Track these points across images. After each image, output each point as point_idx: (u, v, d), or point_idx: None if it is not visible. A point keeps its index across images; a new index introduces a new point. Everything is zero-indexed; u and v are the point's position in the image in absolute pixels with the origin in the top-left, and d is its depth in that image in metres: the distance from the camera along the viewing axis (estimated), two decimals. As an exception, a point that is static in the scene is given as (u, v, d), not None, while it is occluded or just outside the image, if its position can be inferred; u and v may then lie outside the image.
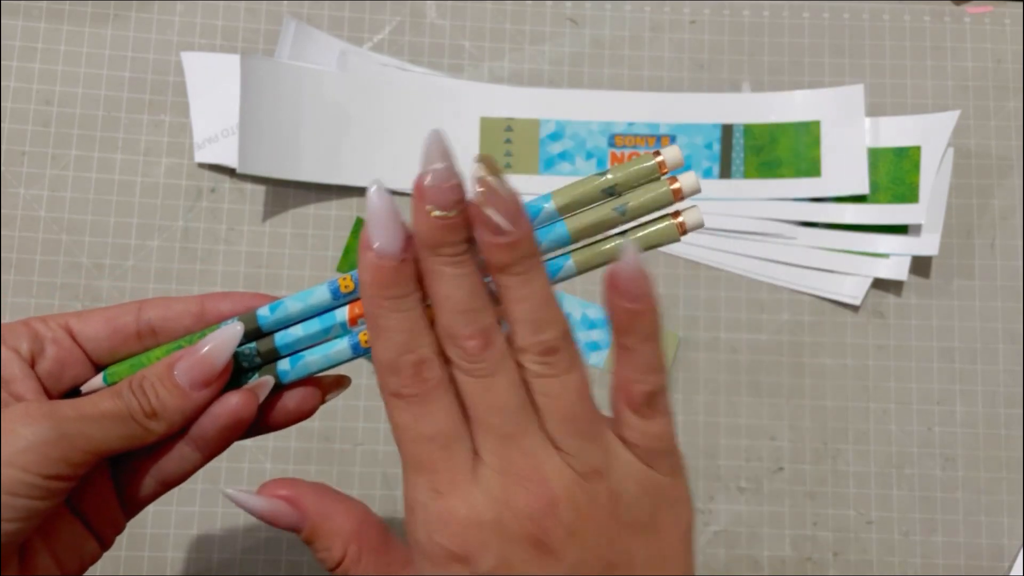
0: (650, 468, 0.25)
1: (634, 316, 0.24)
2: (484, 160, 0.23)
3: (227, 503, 0.45)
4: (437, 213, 0.23)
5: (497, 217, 0.23)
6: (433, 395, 0.24)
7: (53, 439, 0.24)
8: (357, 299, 0.27)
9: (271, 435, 0.45)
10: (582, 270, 0.26)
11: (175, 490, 0.44)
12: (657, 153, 0.25)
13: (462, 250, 0.24)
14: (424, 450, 0.24)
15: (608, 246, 0.26)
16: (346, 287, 0.27)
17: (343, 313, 0.27)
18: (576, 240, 0.26)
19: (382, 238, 0.23)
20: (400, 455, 0.24)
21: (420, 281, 0.24)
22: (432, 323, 0.24)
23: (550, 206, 0.25)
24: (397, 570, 0.26)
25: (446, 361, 0.24)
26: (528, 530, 0.23)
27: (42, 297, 0.46)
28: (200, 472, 0.44)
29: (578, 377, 0.24)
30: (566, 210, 0.25)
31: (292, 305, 0.27)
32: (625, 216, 0.25)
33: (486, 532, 0.23)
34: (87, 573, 0.44)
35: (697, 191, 0.25)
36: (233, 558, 0.44)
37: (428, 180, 0.23)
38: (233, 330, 0.27)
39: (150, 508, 0.44)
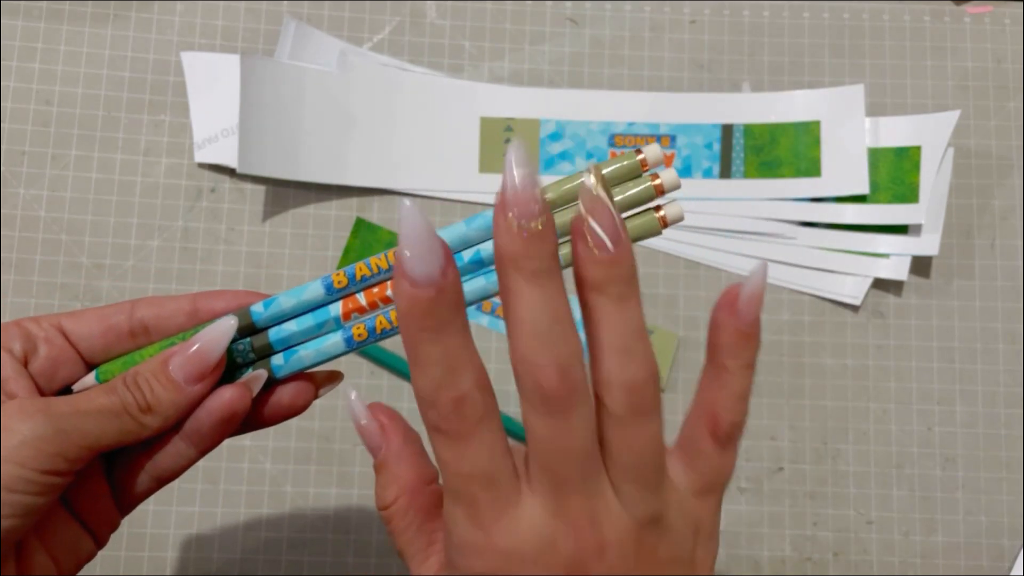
0: (699, 501, 0.25)
1: (744, 339, 0.24)
2: (596, 171, 0.22)
3: (227, 503, 0.45)
4: (520, 224, 0.21)
5: (600, 231, 0.22)
6: (474, 433, 0.22)
7: (49, 434, 0.24)
8: (350, 294, 0.27)
9: (271, 435, 0.45)
10: (568, 264, 0.26)
11: (175, 490, 0.44)
12: (639, 151, 0.26)
13: (545, 267, 0.21)
14: (464, 486, 0.23)
15: None
16: (339, 283, 0.27)
17: (337, 308, 0.28)
18: (561, 236, 0.26)
19: (416, 264, 0.21)
20: (443, 487, 0.24)
21: (461, 308, 0.22)
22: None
23: None
24: (434, 541, 0.26)
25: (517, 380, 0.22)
26: (569, 572, 0.22)
27: (42, 297, 0.46)
28: (199, 472, 0.44)
29: (657, 426, 0.23)
30: (552, 206, 0.26)
31: (285, 301, 0.28)
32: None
33: (524, 566, 0.22)
34: (85, 574, 0.44)
35: (677, 187, 0.26)
36: (233, 558, 0.44)
37: (509, 189, 0.21)
38: (227, 324, 0.27)
39: (150, 508, 0.44)
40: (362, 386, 0.46)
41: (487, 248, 0.27)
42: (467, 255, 0.27)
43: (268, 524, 0.44)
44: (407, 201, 0.21)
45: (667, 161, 0.48)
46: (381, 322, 0.27)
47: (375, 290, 0.27)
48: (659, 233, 0.27)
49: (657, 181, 0.26)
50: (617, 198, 0.26)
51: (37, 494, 0.24)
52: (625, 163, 0.26)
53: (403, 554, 0.26)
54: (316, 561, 0.44)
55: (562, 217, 0.26)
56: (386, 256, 0.27)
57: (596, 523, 0.22)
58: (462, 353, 0.22)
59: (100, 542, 0.28)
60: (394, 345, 0.46)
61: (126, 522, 0.45)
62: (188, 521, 0.44)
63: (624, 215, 0.26)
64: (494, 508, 0.22)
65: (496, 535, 0.22)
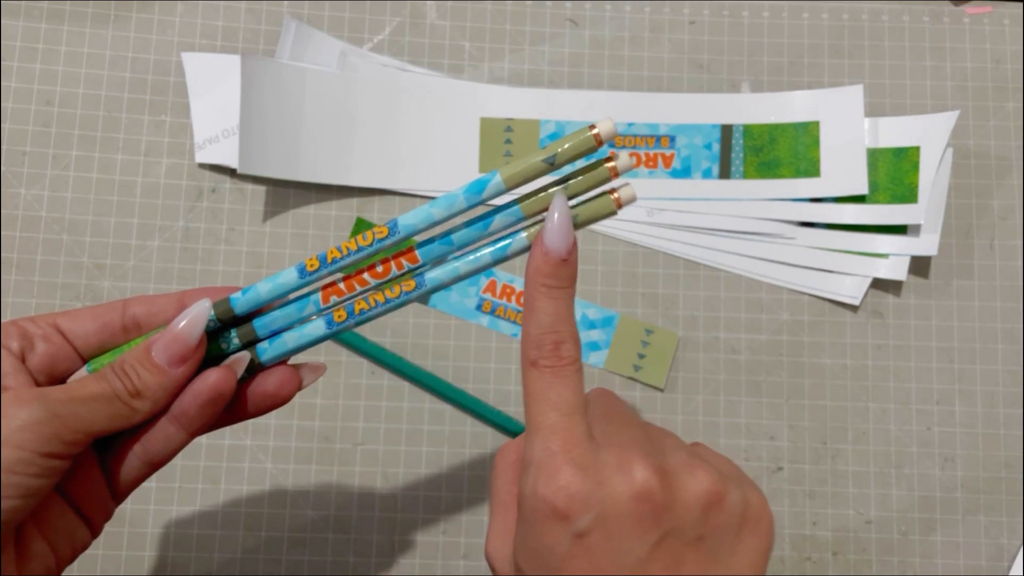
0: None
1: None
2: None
3: (228, 503, 0.45)
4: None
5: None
6: (566, 371, 0.27)
7: (46, 418, 0.25)
8: (324, 276, 0.29)
9: (272, 435, 0.45)
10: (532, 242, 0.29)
11: (176, 490, 0.44)
12: (592, 127, 0.28)
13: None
14: (547, 414, 0.26)
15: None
16: (312, 266, 0.28)
17: (317, 296, 0.29)
18: (527, 215, 0.29)
19: (554, 239, 0.27)
20: (525, 419, 0.28)
21: (574, 283, 0.28)
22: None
23: (497, 179, 0.28)
24: None
25: None
26: (636, 502, 0.25)
27: (43, 297, 0.46)
28: (200, 472, 0.45)
29: None
30: (511, 182, 0.28)
31: (262, 286, 0.29)
32: (568, 189, 0.28)
33: (592, 494, 0.25)
34: (88, 574, 0.44)
35: (630, 168, 0.28)
36: (233, 558, 0.44)
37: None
38: (202, 306, 0.28)
39: (151, 507, 0.44)
40: (363, 386, 0.46)
41: (458, 233, 0.29)
42: (437, 239, 0.29)
43: (268, 524, 0.45)
44: (561, 194, 0.28)
45: (666, 161, 0.48)
46: (360, 304, 0.28)
47: (353, 277, 0.29)
48: (615, 213, 0.29)
49: (611, 163, 0.28)
50: (572, 182, 0.28)
51: (37, 476, 0.25)
52: (579, 137, 0.28)
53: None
54: (316, 561, 0.44)
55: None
56: (356, 240, 0.28)
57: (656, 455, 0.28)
58: (567, 313, 0.28)
59: (95, 530, 0.29)
60: (395, 345, 0.46)
61: (127, 521, 0.45)
62: (189, 521, 0.44)
63: (581, 200, 0.29)
64: (568, 435, 0.26)
65: (566, 464, 0.26)
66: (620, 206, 0.28)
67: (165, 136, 0.48)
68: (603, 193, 0.28)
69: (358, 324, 0.29)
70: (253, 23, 0.49)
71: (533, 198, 0.28)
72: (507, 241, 0.29)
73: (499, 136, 0.48)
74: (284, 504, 0.45)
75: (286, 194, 0.47)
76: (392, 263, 0.28)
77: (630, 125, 0.48)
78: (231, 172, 0.47)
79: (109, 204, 0.47)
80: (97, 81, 0.48)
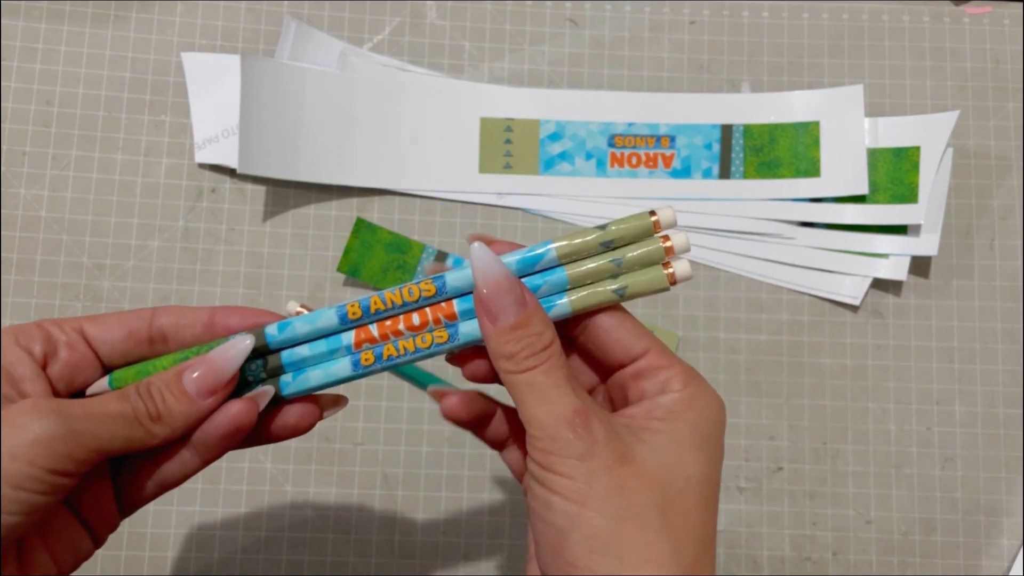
0: None
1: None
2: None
3: (228, 503, 0.45)
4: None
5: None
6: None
7: (61, 434, 0.25)
8: (363, 325, 0.28)
9: (271, 435, 0.45)
10: (576, 310, 0.28)
11: (176, 490, 0.44)
12: (653, 213, 0.27)
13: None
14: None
15: (601, 289, 0.28)
16: (353, 313, 0.28)
17: (349, 337, 0.28)
18: (573, 286, 0.28)
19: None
20: None
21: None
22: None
23: (552, 254, 0.27)
24: None
25: None
26: None
27: (43, 297, 0.46)
28: (200, 472, 0.44)
29: None
30: (565, 259, 0.27)
31: (300, 326, 0.28)
32: (621, 268, 0.27)
33: None
34: (87, 573, 0.44)
35: (687, 250, 0.27)
36: (233, 558, 0.44)
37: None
38: (243, 344, 0.27)
39: (150, 508, 0.44)
40: (362, 386, 0.46)
41: None
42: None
43: (268, 524, 0.45)
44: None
45: (666, 161, 0.48)
46: (388, 350, 0.28)
47: (387, 323, 0.28)
48: (667, 289, 0.28)
49: (668, 243, 0.27)
50: (629, 255, 0.27)
51: (43, 493, 0.25)
52: (639, 223, 0.27)
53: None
54: (316, 561, 0.44)
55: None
56: (401, 293, 0.28)
57: None
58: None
59: (99, 542, 0.29)
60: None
61: (127, 522, 0.45)
62: (189, 520, 0.44)
63: (635, 273, 0.28)
64: None
65: None
66: (674, 283, 0.28)
67: (165, 136, 0.48)
68: (656, 266, 0.28)
69: (385, 369, 0.28)
70: (253, 23, 0.49)
71: (580, 267, 0.28)
72: (548, 305, 0.28)
73: (499, 136, 0.48)
74: (284, 504, 0.45)
75: (286, 194, 0.47)
76: (429, 314, 0.28)
77: (630, 125, 0.48)
78: (231, 172, 0.47)
79: (109, 204, 0.47)
80: (97, 81, 0.48)
